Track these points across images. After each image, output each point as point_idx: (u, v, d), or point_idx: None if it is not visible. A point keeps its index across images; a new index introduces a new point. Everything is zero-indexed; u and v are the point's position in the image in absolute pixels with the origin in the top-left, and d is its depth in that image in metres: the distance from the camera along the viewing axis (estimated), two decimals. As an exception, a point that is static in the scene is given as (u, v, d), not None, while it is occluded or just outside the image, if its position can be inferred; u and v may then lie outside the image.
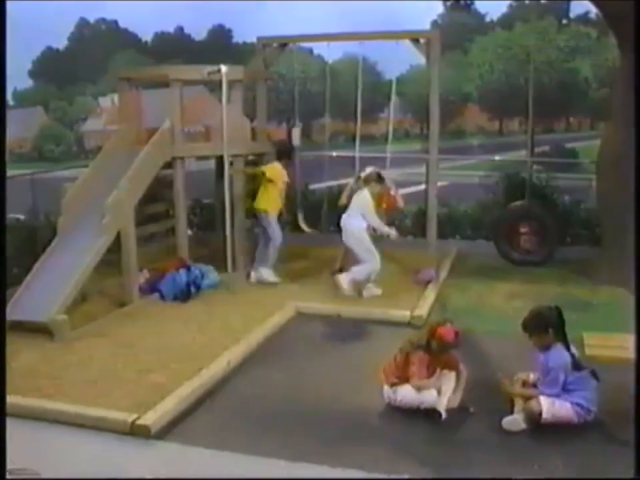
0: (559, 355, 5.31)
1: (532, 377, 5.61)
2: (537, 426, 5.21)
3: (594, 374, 5.37)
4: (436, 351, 5.56)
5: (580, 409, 5.26)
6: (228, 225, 9.40)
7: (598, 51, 39.09)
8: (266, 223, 9.65)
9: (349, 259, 9.23)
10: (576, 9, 58.42)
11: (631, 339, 5.07)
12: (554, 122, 55.78)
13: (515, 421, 5.28)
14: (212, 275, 9.30)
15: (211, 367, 6.32)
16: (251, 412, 5.67)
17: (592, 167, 10.76)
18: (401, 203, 9.87)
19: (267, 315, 8.00)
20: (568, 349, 5.37)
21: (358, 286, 8.83)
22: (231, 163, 9.60)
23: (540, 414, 5.20)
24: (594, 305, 8.59)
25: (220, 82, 9.28)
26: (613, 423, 5.39)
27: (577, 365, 5.32)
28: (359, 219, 8.79)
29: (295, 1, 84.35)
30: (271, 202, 9.61)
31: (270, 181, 9.52)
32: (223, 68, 9.26)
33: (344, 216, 8.92)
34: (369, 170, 9.17)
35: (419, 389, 5.48)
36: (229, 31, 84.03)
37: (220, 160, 9.76)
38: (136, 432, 5.16)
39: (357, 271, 8.73)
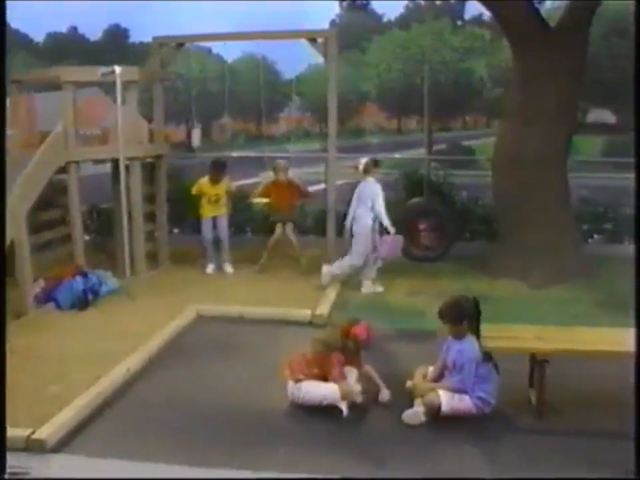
0: (471, 348, 5.41)
1: (430, 370, 5.71)
2: (437, 419, 5.32)
3: (495, 367, 5.52)
4: (352, 350, 5.65)
5: (480, 402, 5.39)
6: (125, 230, 9.22)
7: (492, 51, 40.17)
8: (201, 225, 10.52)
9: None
10: (470, 11, 59.97)
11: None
12: (451, 120, 57.08)
13: (414, 414, 5.36)
14: (110, 281, 9.11)
15: (110, 375, 6.18)
16: (152, 418, 5.57)
17: (488, 163, 11.04)
18: (310, 189, 10.76)
19: (167, 319, 7.89)
20: (479, 338, 5.47)
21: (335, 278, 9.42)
22: (127, 166, 9.45)
23: (439, 407, 5.30)
24: (492, 298, 8.81)
25: (115, 83, 9.10)
26: (512, 412, 5.56)
27: (485, 357, 5.44)
28: (368, 212, 9.15)
29: (191, 0, 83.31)
30: (201, 209, 10.47)
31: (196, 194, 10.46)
32: (117, 69, 9.07)
33: (353, 208, 9.34)
34: (363, 160, 9.47)
35: (350, 392, 5.54)
36: (125, 30, 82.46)
37: (117, 163, 9.58)
38: (31, 447, 4.99)
39: (340, 266, 9.33)
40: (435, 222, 10.60)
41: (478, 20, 52.39)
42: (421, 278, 9.70)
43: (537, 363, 5.49)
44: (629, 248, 11.65)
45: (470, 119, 64.92)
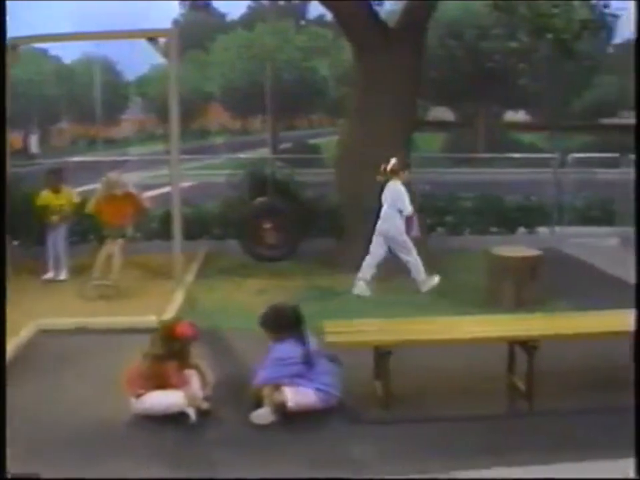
0: (285, 349, 5.49)
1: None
2: (285, 416, 5.37)
3: (337, 361, 5.62)
4: (179, 350, 5.54)
5: (322, 394, 5.46)
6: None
7: (335, 51, 40.85)
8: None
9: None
10: (313, 12, 60.83)
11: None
12: (296, 119, 57.62)
13: (262, 414, 5.38)
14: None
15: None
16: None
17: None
18: (147, 203, 10.23)
19: (7, 336, 7.48)
20: (302, 342, 5.53)
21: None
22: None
23: (285, 403, 5.35)
24: (339, 293, 9.00)
25: None
26: (360, 405, 5.69)
27: (308, 357, 5.49)
28: (397, 217, 9.08)
29: (25, 0, 80.00)
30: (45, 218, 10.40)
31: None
32: (-61, 74, 8.57)
33: (382, 214, 9.16)
34: (392, 161, 9.21)
35: (195, 397, 5.45)
36: (-49, 31, 78.29)
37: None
38: None
39: (365, 267, 9.18)
40: (280, 221, 10.63)
41: (321, 20, 53.17)
42: (269, 277, 9.75)
43: (381, 355, 5.64)
44: (469, 239, 12.21)
45: (315, 117, 65.82)
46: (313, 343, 5.60)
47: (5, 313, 5.64)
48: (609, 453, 4.88)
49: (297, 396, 5.39)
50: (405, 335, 5.75)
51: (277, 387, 5.46)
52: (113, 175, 9.94)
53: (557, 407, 5.74)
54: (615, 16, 10.14)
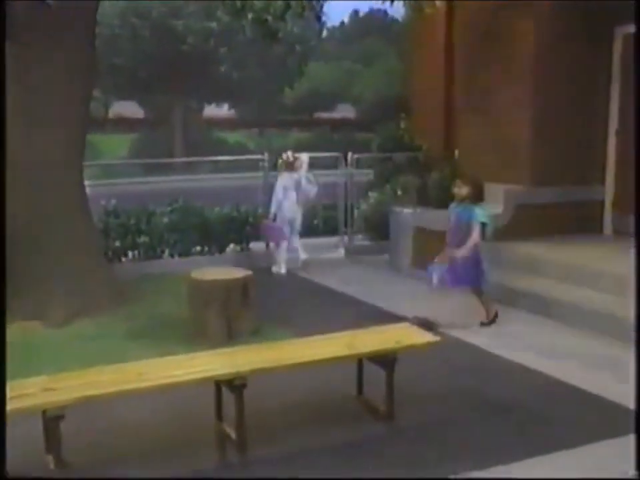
0: None
1: None
2: None
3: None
4: None
5: None
6: None
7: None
8: None
9: None
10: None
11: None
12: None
13: None
14: None
15: None
16: None
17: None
18: None
19: None
20: None
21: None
22: None
23: None
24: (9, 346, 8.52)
25: None
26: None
27: None
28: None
29: None
30: None
31: None
32: None
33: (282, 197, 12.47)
34: (302, 155, 12.81)
35: None
36: None
37: None
38: None
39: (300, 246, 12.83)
40: None
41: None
42: None
43: (50, 419, 5.35)
44: (169, 262, 12.15)
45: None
46: None
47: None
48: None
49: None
50: (77, 392, 5.45)
51: None
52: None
53: (273, 452, 5.83)
54: (320, -3, 10.60)
